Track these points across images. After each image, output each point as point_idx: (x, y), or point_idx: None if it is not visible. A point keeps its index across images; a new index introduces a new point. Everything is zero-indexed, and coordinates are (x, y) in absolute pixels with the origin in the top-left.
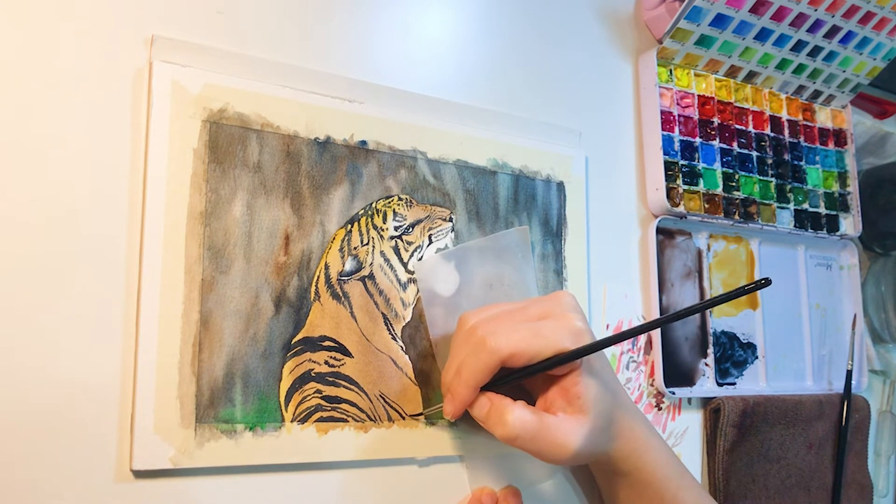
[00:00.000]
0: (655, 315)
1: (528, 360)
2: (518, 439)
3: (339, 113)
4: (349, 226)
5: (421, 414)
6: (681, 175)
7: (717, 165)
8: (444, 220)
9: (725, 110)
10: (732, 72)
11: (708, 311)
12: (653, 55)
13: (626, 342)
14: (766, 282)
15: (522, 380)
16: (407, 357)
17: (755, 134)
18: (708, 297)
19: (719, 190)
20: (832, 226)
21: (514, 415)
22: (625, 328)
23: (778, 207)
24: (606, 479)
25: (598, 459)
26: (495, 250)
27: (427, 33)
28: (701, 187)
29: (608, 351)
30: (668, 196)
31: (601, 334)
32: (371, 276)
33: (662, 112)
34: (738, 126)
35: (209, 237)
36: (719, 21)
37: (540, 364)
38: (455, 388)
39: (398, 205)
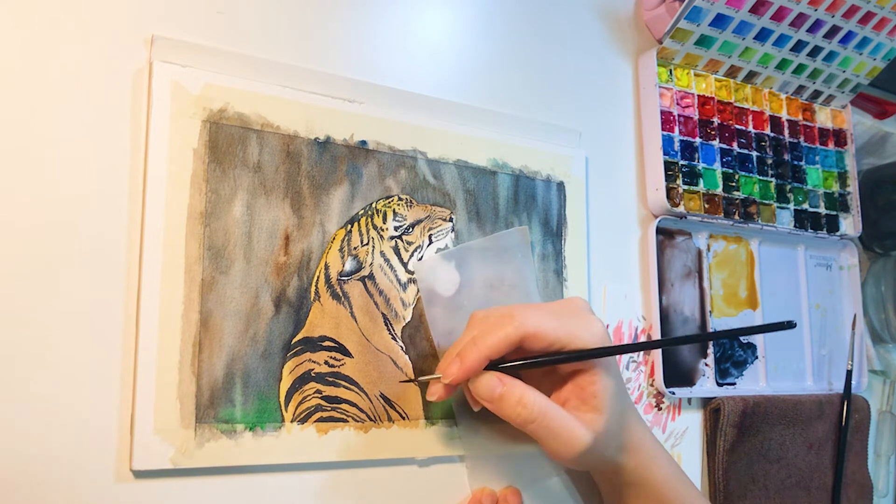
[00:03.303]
0: (656, 315)
1: (547, 345)
2: (535, 423)
3: (339, 113)
4: (349, 226)
5: (413, 380)
6: (681, 175)
7: (717, 165)
8: (445, 220)
9: (725, 110)
10: (732, 72)
11: (708, 311)
12: (653, 55)
13: (626, 342)
14: (790, 324)
15: (536, 367)
16: (407, 357)
17: (755, 134)
18: (708, 298)
19: (719, 190)
20: (832, 226)
21: (532, 397)
22: (625, 328)
23: (778, 207)
24: (615, 492)
25: (604, 468)
26: (495, 250)
27: (427, 33)
28: (701, 187)
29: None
30: (668, 196)
31: None
32: (371, 276)
33: (662, 112)
34: (738, 126)
35: (209, 237)
36: (719, 21)
37: (561, 356)
38: (467, 353)
39: (398, 205)
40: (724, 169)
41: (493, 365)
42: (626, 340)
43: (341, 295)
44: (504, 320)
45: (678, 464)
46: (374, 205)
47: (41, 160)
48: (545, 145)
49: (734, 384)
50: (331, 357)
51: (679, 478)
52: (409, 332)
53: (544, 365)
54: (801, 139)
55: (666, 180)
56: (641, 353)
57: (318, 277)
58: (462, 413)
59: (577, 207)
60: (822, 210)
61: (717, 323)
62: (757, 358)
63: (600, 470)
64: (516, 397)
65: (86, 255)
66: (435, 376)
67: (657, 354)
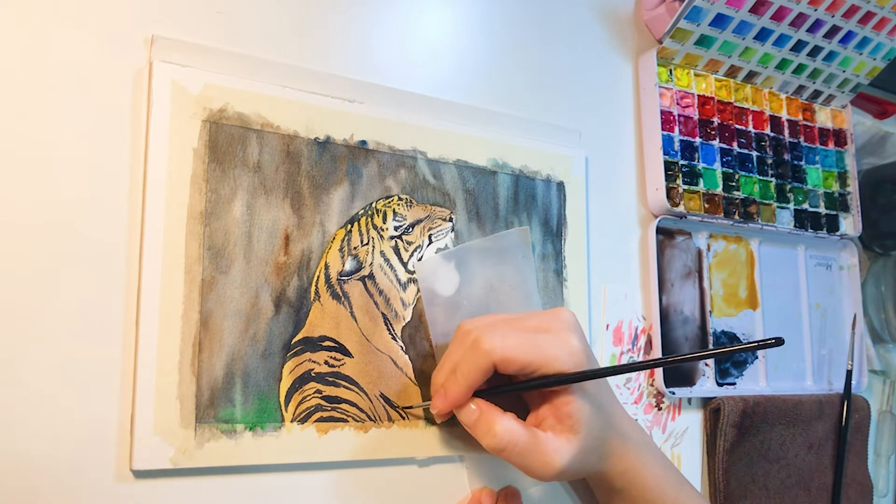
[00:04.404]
0: (656, 314)
1: (519, 367)
2: (505, 451)
3: (339, 113)
4: (349, 226)
5: (411, 407)
6: (681, 175)
7: (717, 165)
8: (444, 220)
9: (725, 110)
10: (732, 72)
11: (708, 311)
12: (653, 55)
13: (626, 341)
14: (779, 341)
15: (514, 392)
16: (407, 357)
17: (755, 134)
18: (708, 297)
19: (719, 190)
20: (832, 226)
21: (502, 426)
22: (625, 328)
23: (778, 207)
24: (602, 493)
25: (589, 476)
26: (496, 250)
27: (427, 33)
28: (701, 187)
29: (608, 349)
30: (668, 196)
31: (601, 334)
32: (371, 276)
33: (662, 112)
34: (738, 126)
35: (209, 237)
36: (719, 21)
37: (537, 381)
38: (450, 386)
39: (398, 205)
40: (724, 169)
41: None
42: (626, 340)
43: (341, 295)
44: (474, 348)
45: (675, 465)
46: (374, 205)
47: (41, 160)
48: (545, 145)
49: (734, 384)
50: (331, 357)
51: (671, 480)
52: (409, 332)
53: (520, 391)
54: (801, 139)
55: (666, 180)
56: (641, 353)
57: (318, 277)
58: None
59: (577, 207)
60: (822, 210)
61: (717, 323)
62: (757, 358)
63: (586, 477)
64: (487, 426)
65: (86, 256)
66: (426, 403)
67: (657, 355)
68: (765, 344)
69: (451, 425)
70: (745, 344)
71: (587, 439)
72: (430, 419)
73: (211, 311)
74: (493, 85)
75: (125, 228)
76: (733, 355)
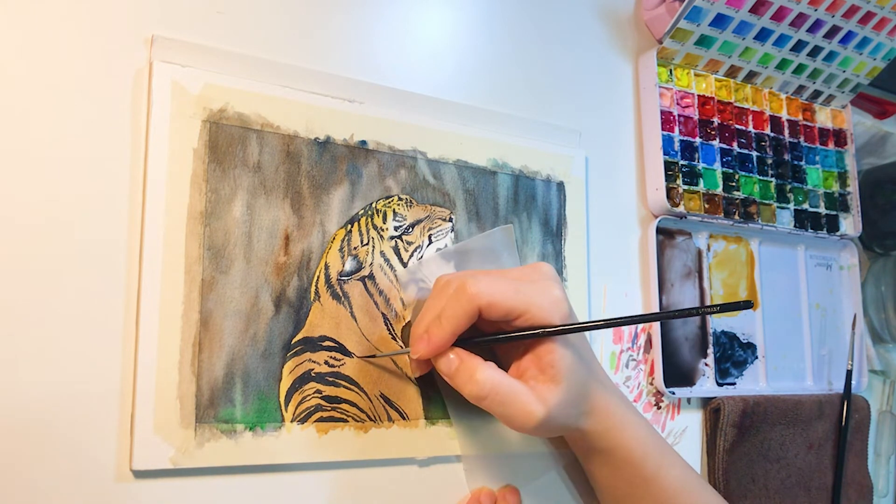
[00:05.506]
0: None
1: (504, 313)
2: (486, 399)
3: (339, 113)
4: (349, 226)
5: (385, 355)
6: (681, 175)
7: (717, 165)
8: (444, 220)
9: (725, 110)
10: (732, 72)
11: None
12: (653, 55)
13: (626, 340)
14: (747, 304)
15: (497, 343)
16: (407, 356)
17: (755, 134)
18: (708, 297)
19: (719, 190)
20: (832, 226)
21: (484, 373)
22: (625, 327)
23: (778, 207)
24: (586, 458)
25: (571, 435)
26: (480, 251)
27: (427, 33)
28: (701, 187)
29: (608, 347)
30: (668, 196)
31: (601, 333)
32: (371, 276)
33: (662, 112)
34: (738, 126)
35: (209, 237)
36: (719, 21)
37: (517, 333)
38: (433, 330)
39: (398, 205)
40: (724, 169)
41: (461, 338)
42: (626, 339)
43: (341, 295)
44: (459, 293)
45: (657, 430)
46: (374, 205)
47: (41, 160)
48: (545, 145)
49: (734, 384)
50: (331, 357)
51: (653, 442)
52: (409, 332)
53: (500, 342)
54: (801, 139)
55: (666, 180)
56: (641, 352)
57: (318, 277)
58: (457, 413)
59: (577, 207)
60: (822, 210)
61: (717, 323)
62: (757, 358)
63: (567, 436)
64: (468, 374)
65: (86, 255)
66: (402, 351)
67: (657, 354)
68: (734, 305)
69: (451, 425)
70: (718, 304)
71: (569, 390)
72: (430, 418)
73: (211, 311)
74: (493, 85)
75: (125, 228)
76: (734, 355)
